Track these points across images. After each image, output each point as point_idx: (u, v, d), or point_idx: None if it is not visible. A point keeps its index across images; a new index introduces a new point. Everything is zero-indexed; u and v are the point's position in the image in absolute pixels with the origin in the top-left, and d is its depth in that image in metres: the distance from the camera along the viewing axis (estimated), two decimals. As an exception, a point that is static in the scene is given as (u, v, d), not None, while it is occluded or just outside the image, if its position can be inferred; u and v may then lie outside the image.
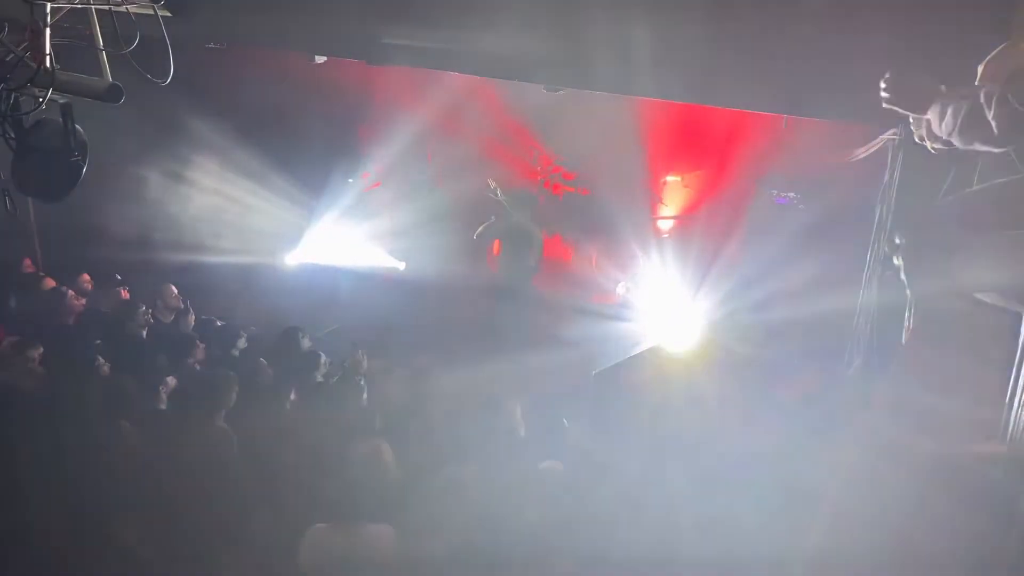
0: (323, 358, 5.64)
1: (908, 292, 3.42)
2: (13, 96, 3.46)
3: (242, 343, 6.31)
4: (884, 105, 2.90)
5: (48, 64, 3.43)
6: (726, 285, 6.95)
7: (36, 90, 3.44)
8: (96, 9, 3.57)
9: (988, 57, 2.86)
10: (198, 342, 6.04)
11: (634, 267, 7.97)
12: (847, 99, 3.94)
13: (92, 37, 3.62)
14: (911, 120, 3.05)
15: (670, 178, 7.99)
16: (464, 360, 5.56)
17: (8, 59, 3.42)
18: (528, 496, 3.87)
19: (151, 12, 3.70)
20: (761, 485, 3.99)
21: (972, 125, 2.63)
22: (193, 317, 6.77)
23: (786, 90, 4.25)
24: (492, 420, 4.49)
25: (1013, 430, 2.94)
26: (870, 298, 4.35)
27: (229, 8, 5.08)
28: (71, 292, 6.48)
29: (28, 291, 6.62)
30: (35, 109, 3.49)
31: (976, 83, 2.82)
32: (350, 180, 8.76)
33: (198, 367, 5.86)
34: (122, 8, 3.54)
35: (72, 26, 3.69)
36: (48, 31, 3.42)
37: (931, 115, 2.78)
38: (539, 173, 8.42)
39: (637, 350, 6.35)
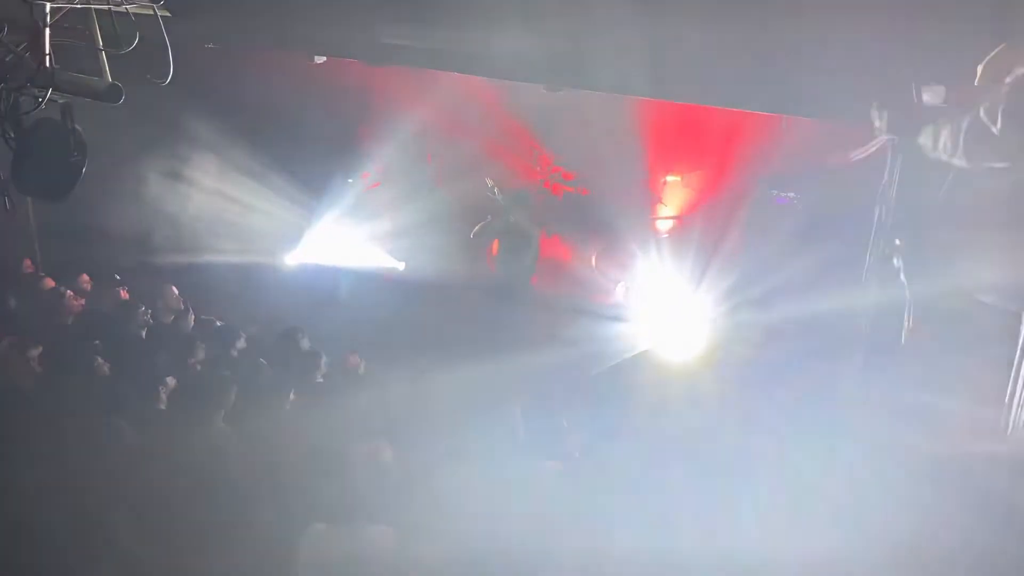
0: (323, 358, 5.64)
1: (907, 292, 3.42)
2: (13, 96, 3.46)
3: (242, 343, 6.29)
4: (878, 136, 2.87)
5: (48, 64, 3.43)
6: (725, 285, 6.94)
7: (36, 90, 3.43)
8: (96, 9, 3.57)
9: (988, 57, 2.86)
10: (198, 342, 6.04)
11: (633, 267, 7.95)
12: (846, 99, 3.94)
13: (92, 37, 3.62)
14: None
15: (670, 178, 7.97)
16: (464, 360, 5.55)
17: (8, 59, 3.42)
18: (528, 496, 3.87)
19: (151, 12, 3.70)
20: (761, 485, 3.99)
21: (978, 141, 2.58)
22: (193, 317, 6.76)
23: (786, 90, 4.25)
24: (492, 420, 4.49)
25: (1013, 430, 2.94)
26: (870, 298, 4.35)
27: (229, 8, 5.09)
28: (70, 292, 6.48)
29: (27, 291, 6.61)
30: (35, 109, 3.49)
31: (976, 83, 2.81)
32: (350, 180, 8.72)
33: (198, 367, 5.86)
34: (122, 8, 3.53)
35: (72, 26, 3.69)
36: (48, 31, 3.42)
37: (924, 139, 2.73)
38: (538, 173, 8.40)
39: (636, 350, 6.35)
